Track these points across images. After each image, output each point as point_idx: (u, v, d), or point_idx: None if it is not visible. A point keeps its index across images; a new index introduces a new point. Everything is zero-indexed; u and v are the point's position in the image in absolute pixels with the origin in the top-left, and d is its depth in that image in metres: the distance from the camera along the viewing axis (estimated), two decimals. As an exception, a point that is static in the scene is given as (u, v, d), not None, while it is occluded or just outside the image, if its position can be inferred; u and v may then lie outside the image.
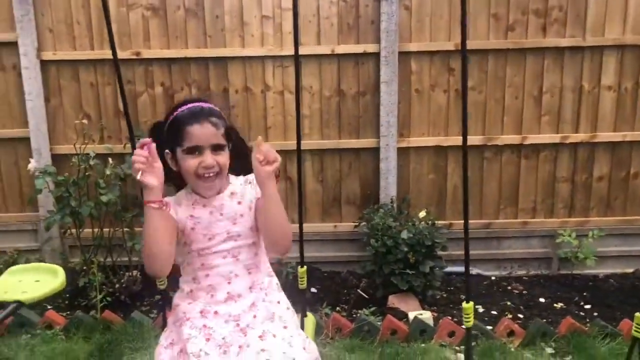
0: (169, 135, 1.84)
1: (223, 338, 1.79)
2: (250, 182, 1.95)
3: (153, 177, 1.68)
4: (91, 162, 3.51)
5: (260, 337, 1.78)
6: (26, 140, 4.21)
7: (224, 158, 1.84)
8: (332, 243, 4.36)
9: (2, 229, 4.34)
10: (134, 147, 1.97)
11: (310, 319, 2.25)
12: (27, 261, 4.23)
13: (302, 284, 2.08)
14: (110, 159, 3.73)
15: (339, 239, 4.35)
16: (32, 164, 3.66)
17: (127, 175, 3.77)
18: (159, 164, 1.70)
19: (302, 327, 2.08)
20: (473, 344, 3.25)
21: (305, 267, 2.04)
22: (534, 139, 4.23)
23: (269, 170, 1.69)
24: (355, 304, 3.88)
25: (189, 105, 1.84)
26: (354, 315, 3.71)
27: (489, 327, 3.46)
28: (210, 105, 1.86)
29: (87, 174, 3.52)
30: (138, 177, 1.66)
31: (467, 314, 1.86)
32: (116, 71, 1.91)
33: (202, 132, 1.78)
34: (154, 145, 1.69)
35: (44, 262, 4.23)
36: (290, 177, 4.30)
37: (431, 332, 3.36)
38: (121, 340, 3.22)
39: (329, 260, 4.36)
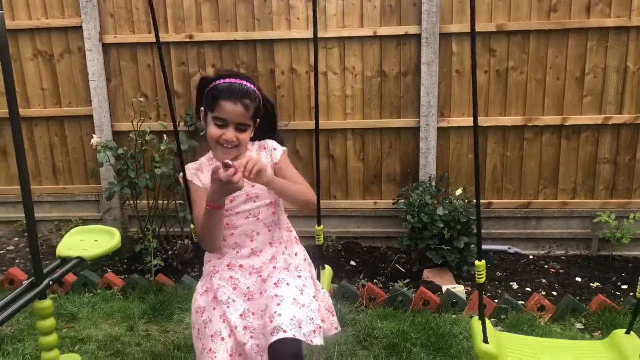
0: (207, 97, 2.05)
1: (247, 287, 2.02)
2: (265, 148, 2.14)
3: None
4: (147, 138, 3.81)
5: (275, 284, 1.98)
6: (90, 118, 4.57)
7: (245, 136, 2.03)
8: (372, 219, 4.53)
9: (68, 199, 4.73)
10: (175, 125, 2.21)
11: (328, 270, 2.47)
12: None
13: (319, 241, 2.31)
14: (165, 136, 4.02)
15: (379, 216, 4.51)
16: (95, 140, 3.99)
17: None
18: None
19: (319, 279, 2.30)
20: (503, 317, 3.37)
21: (322, 225, 2.27)
22: (575, 120, 4.24)
23: (253, 179, 1.84)
24: (391, 277, 4.04)
25: (232, 81, 2.01)
26: (390, 287, 3.88)
27: (521, 303, 3.55)
28: (250, 86, 2.03)
29: (143, 148, 3.82)
30: (233, 185, 1.82)
31: (480, 271, 2.01)
32: (159, 53, 2.15)
33: (233, 110, 1.97)
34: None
35: (105, 230, 4.61)
36: (333, 155, 4.48)
37: (463, 305, 3.49)
38: (172, 301, 3.51)
39: (368, 236, 4.54)
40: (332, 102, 4.40)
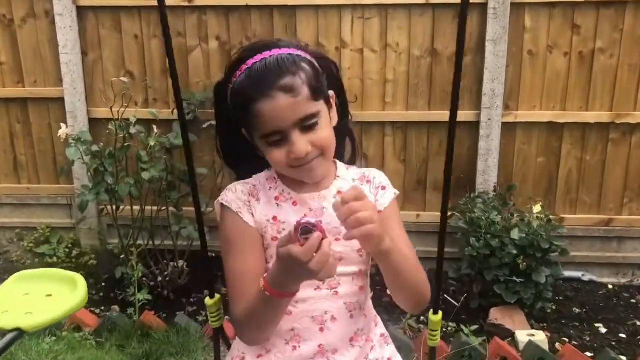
0: (235, 109, 1.21)
1: None
2: (369, 181, 1.30)
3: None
4: (131, 130, 2.86)
5: None
6: (60, 100, 3.62)
7: (324, 133, 1.18)
8: (413, 235, 3.57)
9: (33, 202, 3.79)
10: (181, 113, 1.29)
11: None
12: (60, 242, 3.71)
13: (433, 341, 1.36)
14: (155, 127, 3.07)
15: (422, 231, 3.60)
16: (63, 130, 3.05)
17: (174, 146, 3.12)
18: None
19: None
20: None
21: (440, 313, 1.32)
22: (678, 117, 3.36)
23: (361, 237, 1.06)
24: (443, 313, 3.17)
25: (249, 63, 1.16)
26: (444, 330, 3.01)
27: (623, 358, 2.70)
28: (281, 52, 1.17)
29: (126, 144, 2.88)
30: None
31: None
32: (161, 16, 1.19)
33: (276, 108, 1.12)
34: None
35: (79, 243, 3.70)
36: (366, 154, 3.57)
37: (551, 364, 2.62)
38: (162, 352, 2.62)
39: (408, 256, 3.64)
40: (368, 87, 3.48)
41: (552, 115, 3.42)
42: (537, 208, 3.03)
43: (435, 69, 3.43)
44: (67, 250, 3.66)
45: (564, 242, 3.01)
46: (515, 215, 3.14)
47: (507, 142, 3.47)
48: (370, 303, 1.34)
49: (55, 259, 3.60)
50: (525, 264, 2.93)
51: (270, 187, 1.27)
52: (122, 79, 3.06)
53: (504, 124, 3.41)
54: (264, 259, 1.24)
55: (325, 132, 1.18)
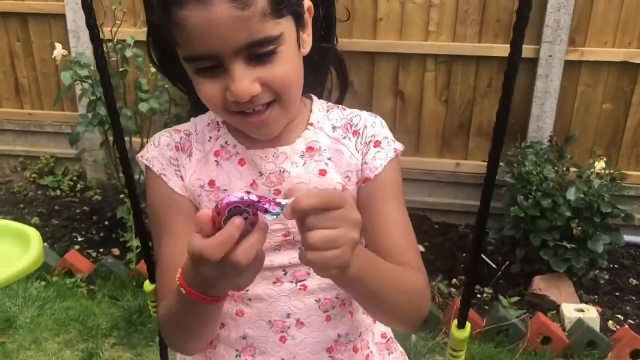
0: (151, 10, 0.82)
1: None
2: (356, 133, 0.92)
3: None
4: (127, 53, 2.46)
5: None
6: (62, 17, 3.24)
7: (283, 67, 0.78)
8: (451, 186, 3.21)
9: (35, 129, 3.49)
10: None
11: None
12: (64, 174, 3.43)
13: None
14: (158, 51, 2.66)
15: (461, 182, 3.19)
16: (58, 50, 2.68)
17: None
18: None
19: None
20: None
21: (468, 326, 0.93)
22: None
23: (314, 260, 0.66)
24: (479, 277, 2.81)
25: None
26: (478, 296, 2.65)
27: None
28: None
29: (121, 69, 2.49)
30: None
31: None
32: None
33: (210, 22, 0.72)
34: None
35: (85, 175, 3.41)
36: (402, 91, 3.12)
37: (603, 346, 2.24)
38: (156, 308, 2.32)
39: (442, 208, 3.24)
40: (408, 12, 2.98)
41: (627, 53, 2.88)
42: (600, 164, 2.56)
43: (490, -8, 2.90)
44: (72, 183, 3.40)
45: (630, 205, 2.55)
46: (572, 171, 2.68)
47: (568, 83, 2.96)
48: None
49: (58, 191, 3.36)
50: (580, 228, 2.50)
51: (210, 137, 0.90)
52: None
53: (566, 62, 2.90)
54: None
55: (286, 66, 0.78)
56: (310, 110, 0.92)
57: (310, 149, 0.88)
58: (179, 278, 0.73)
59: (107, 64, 0.98)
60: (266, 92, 0.78)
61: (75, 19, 3.18)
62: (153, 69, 2.51)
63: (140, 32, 2.70)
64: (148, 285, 1.00)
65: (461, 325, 0.91)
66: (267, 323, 0.88)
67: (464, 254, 2.97)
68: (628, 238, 3.07)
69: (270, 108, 0.80)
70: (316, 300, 0.89)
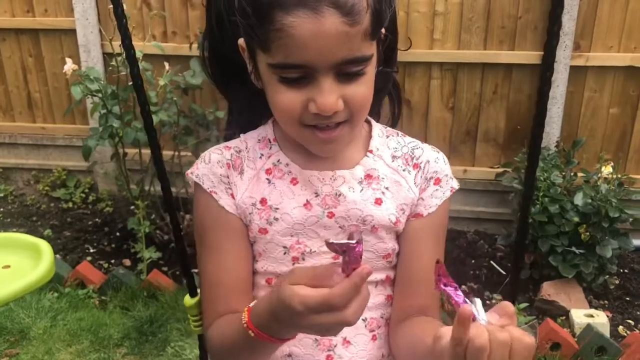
0: (241, 11, 0.75)
1: None
2: (417, 167, 0.92)
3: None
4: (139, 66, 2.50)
5: None
6: (73, 33, 3.29)
7: (365, 89, 0.80)
8: (459, 193, 3.16)
9: (48, 142, 3.55)
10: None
11: None
12: (76, 186, 3.49)
13: None
14: (166, 64, 2.71)
15: (469, 189, 3.19)
16: (69, 65, 2.72)
17: (189, 85, 2.77)
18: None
19: None
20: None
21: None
22: None
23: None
24: (486, 282, 2.81)
25: None
26: (487, 301, 2.65)
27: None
28: None
29: (130, 83, 2.53)
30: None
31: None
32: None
33: (318, 32, 0.72)
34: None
35: (97, 188, 3.46)
36: (409, 99, 3.13)
37: (613, 351, 2.23)
38: (168, 317, 2.37)
39: (451, 215, 3.17)
40: (413, 20, 3.01)
41: (633, 57, 2.88)
42: (607, 169, 2.56)
43: (494, 0, 2.91)
44: (83, 195, 3.45)
45: (639, 210, 2.55)
46: (579, 176, 2.69)
47: (574, 89, 2.96)
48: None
49: (70, 204, 3.40)
50: (588, 233, 2.50)
51: (262, 155, 0.89)
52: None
53: (572, 67, 2.90)
54: (248, 259, 0.90)
55: (367, 88, 0.79)
56: (370, 136, 0.91)
57: (368, 176, 0.88)
58: (246, 322, 0.74)
59: (140, 82, 0.96)
60: (345, 111, 0.78)
61: (86, 34, 3.23)
62: (162, 82, 2.57)
63: (150, 46, 2.76)
64: (189, 300, 1.01)
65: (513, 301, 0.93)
66: (313, 341, 0.89)
67: (473, 261, 2.98)
68: (638, 242, 3.06)
69: (342, 126, 0.80)
70: (363, 320, 0.90)
